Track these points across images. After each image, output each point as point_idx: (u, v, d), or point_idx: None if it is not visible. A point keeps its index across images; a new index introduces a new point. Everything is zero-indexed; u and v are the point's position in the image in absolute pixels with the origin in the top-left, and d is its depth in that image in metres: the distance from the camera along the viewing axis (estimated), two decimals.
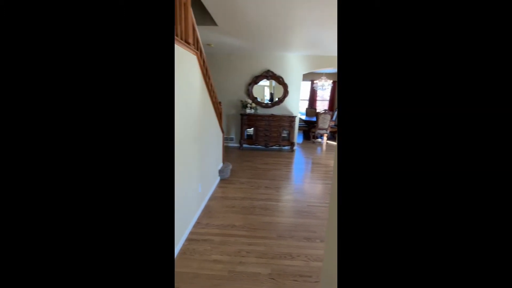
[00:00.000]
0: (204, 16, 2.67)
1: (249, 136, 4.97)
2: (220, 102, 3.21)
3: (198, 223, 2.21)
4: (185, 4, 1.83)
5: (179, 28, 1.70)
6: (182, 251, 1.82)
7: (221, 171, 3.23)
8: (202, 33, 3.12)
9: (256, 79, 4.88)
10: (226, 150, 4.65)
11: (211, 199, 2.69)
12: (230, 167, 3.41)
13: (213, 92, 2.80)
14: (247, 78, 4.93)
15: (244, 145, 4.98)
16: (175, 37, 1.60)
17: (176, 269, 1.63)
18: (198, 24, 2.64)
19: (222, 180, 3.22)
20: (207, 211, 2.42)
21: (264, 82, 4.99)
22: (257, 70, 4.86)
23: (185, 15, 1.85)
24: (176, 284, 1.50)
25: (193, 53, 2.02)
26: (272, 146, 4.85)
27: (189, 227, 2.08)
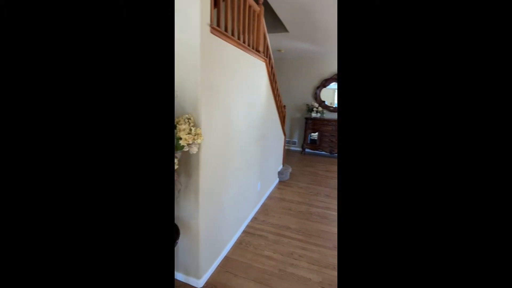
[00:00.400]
0: (276, 24, 2.81)
1: (313, 141, 4.84)
2: (284, 106, 3.29)
3: (255, 218, 2.34)
4: (258, 15, 1.99)
5: (250, 38, 1.86)
6: (239, 241, 1.97)
7: (280, 173, 3.29)
8: (273, 39, 3.28)
9: (325, 82, 4.72)
10: (287, 154, 4.69)
11: (269, 198, 2.79)
12: (290, 170, 3.44)
13: (278, 96, 2.90)
14: (315, 82, 4.83)
15: (307, 150, 4.89)
16: (247, 46, 1.77)
17: (232, 257, 1.79)
18: (269, 32, 2.81)
19: (280, 182, 3.28)
20: (264, 209, 2.53)
21: (334, 85, 4.77)
22: (327, 73, 4.70)
23: (258, 25, 2.01)
24: (231, 270, 1.66)
25: (262, 60, 2.17)
26: (337, 153, 4.58)
27: (247, 221, 2.23)
